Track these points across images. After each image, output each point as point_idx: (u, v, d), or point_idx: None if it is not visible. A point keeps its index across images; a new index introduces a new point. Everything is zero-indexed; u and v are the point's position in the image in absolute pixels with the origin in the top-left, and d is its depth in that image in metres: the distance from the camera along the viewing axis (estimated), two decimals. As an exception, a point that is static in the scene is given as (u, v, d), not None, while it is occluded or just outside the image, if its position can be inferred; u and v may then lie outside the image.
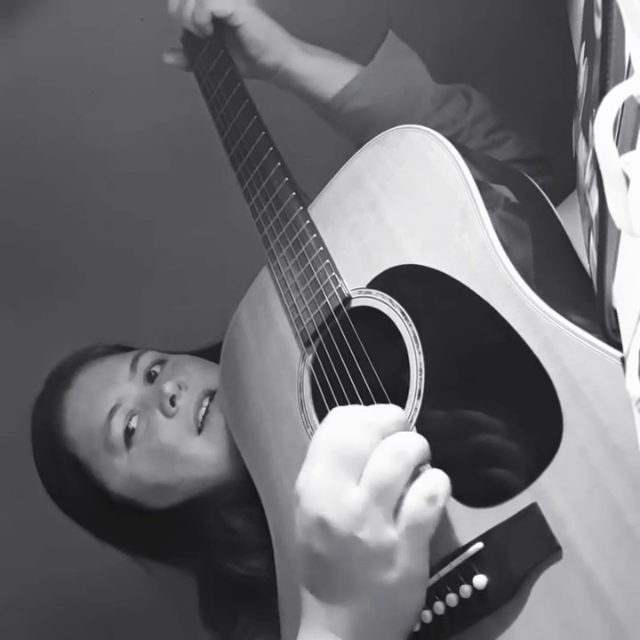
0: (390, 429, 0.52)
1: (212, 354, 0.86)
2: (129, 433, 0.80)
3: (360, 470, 0.50)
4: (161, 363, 0.84)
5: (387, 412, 0.53)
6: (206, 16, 0.84)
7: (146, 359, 0.84)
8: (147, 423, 0.80)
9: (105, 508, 0.83)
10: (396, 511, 0.50)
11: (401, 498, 0.50)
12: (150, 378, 0.83)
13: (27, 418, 0.88)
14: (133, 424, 0.80)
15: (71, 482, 0.84)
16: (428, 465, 0.53)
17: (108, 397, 0.82)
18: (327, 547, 0.50)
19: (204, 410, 0.80)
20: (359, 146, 0.71)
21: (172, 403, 0.79)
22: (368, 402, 0.62)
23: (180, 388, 0.80)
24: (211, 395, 0.81)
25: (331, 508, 0.50)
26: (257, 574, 0.78)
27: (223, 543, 0.81)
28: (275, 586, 0.70)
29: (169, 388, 0.79)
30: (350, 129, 0.88)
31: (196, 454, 0.79)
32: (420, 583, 0.51)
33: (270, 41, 0.85)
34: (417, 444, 0.52)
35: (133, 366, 0.83)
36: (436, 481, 0.51)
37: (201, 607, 0.87)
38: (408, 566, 0.50)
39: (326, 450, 0.52)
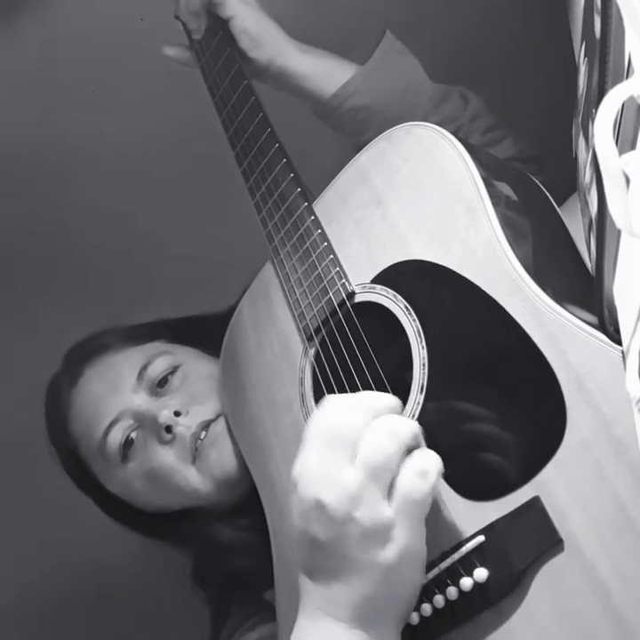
0: (382, 413, 0.53)
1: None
2: (128, 444, 0.81)
3: (353, 451, 0.51)
4: (172, 371, 0.83)
5: (379, 397, 0.54)
6: (197, 4, 0.87)
7: (155, 368, 0.82)
8: (145, 441, 0.81)
9: (99, 493, 0.86)
10: (391, 490, 0.51)
11: (394, 476, 0.51)
12: (160, 383, 0.82)
13: (36, 414, 0.89)
14: (133, 436, 0.81)
15: (73, 467, 0.86)
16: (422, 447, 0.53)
17: (109, 407, 0.81)
18: (325, 529, 0.50)
19: (199, 442, 0.79)
20: (357, 145, 0.71)
21: (169, 430, 0.79)
22: (370, 396, 0.62)
23: (180, 414, 0.79)
24: (208, 425, 0.80)
25: (326, 490, 0.50)
26: (243, 571, 0.80)
27: (207, 550, 0.83)
28: (264, 578, 0.70)
29: (164, 418, 0.79)
30: (348, 128, 0.89)
31: (188, 484, 0.80)
32: (419, 560, 0.52)
33: (263, 35, 0.86)
34: (409, 425, 0.52)
35: (140, 376, 0.82)
36: (428, 458, 0.51)
37: (194, 571, 0.88)
38: (406, 543, 0.50)
39: (320, 434, 0.52)
